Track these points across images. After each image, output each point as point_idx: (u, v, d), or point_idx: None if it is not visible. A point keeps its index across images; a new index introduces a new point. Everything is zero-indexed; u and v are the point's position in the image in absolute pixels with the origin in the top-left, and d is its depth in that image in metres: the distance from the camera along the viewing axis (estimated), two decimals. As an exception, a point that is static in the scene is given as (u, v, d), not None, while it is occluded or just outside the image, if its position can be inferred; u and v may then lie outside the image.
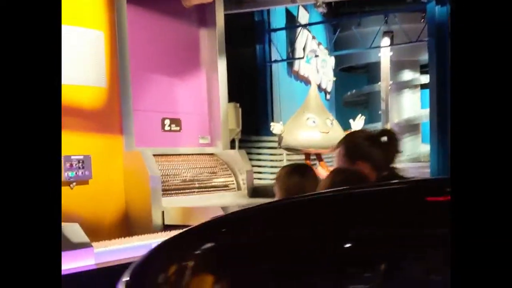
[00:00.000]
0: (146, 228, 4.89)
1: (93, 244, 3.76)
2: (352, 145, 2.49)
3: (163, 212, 4.97)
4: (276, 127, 5.88)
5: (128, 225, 5.08)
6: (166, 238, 1.60)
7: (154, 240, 4.09)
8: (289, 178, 2.74)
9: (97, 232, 4.80)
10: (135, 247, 3.88)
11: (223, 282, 1.35)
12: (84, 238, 3.62)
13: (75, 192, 4.73)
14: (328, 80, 12.56)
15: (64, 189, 4.66)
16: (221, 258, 1.36)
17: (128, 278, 1.37)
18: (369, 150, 2.43)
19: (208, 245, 1.39)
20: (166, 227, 4.91)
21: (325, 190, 2.13)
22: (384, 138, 2.46)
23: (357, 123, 6.03)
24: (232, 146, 6.92)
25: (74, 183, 4.68)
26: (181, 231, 1.48)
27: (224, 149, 6.11)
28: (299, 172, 2.75)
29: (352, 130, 6.06)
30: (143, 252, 3.87)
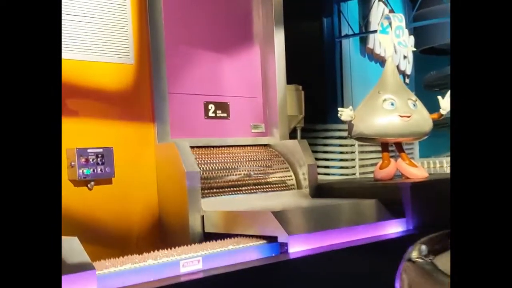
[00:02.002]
0: (181, 237, 4.11)
1: (97, 264, 2.98)
2: None
3: (202, 217, 4.16)
4: (344, 113, 4.93)
5: (161, 234, 4.30)
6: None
7: (182, 256, 3.28)
8: None
9: (123, 243, 4.09)
10: (151, 268, 3.07)
11: None
12: (84, 257, 2.85)
13: (95, 194, 3.99)
14: (407, 62, 11.43)
15: (81, 190, 3.94)
16: None
17: None
18: None
19: None
20: (207, 236, 4.09)
21: None
22: None
23: (447, 101, 4.96)
24: (293, 136, 6.04)
25: (93, 183, 3.93)
26: None
27: (281, 139, 5.23)
28: None
29: (441, 111, 5.02)
30: (167, 273, 3.01)
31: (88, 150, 3.86)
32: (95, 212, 4.00)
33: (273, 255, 3.63)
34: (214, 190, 4.44)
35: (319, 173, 7.11)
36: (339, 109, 5.02)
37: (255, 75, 5.28)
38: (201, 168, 4.41)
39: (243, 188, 4.65)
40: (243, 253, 3.52)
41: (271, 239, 3.70)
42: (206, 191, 4.36)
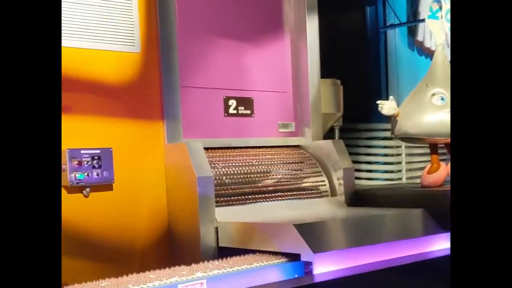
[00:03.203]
0: (192, 252, 3.63)
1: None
2: None
3: (216, 229, 3.64)
4: (386, 106, 4.33)
5: (171, 248, 3.81)
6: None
7: (183, 278, 2.77)
8: None
9: (125, 259, 3.64)
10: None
11: None
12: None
13: (92, 202, 3.54)
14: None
15: (75, 198, 3.48)
16: None
17: None
18: None
19: None
20: (222, 251, 3.58)
21: None
22: None
23: None
24: (330, 137, 5.46)
25: (88, 189, 3.47)
26: None
27: (314, 139, 4.68)
28: None
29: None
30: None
31: (82, 151, 3.40)
32: (92, 222, 3.54)
33: (296, 276, 3.09)
34: (233, 198, 3.92)
35: (361, 178, 6.52)
36: (378, 102, 4.43)
37: (284, 67, 4.74)
38: (218, 173, 3.91)
39: (267, 195, 4.13)
40: (257, 274, 2.99)
41: (294, 257, 3.16)
42: (223, 198, 3.85)
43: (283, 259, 3.17)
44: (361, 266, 3.23)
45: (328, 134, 5.72)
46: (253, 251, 3.35)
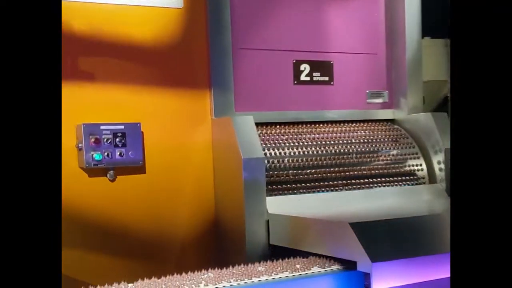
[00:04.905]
0: (238, 250, 3.07)
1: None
2: None
3: (267, 223, 3.06)
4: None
5: (218, 245, 3.29)
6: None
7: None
8: None
9: (161, 256, 3.19)
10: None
11: None
12: None
13: (119, 187, 3.09)
14: None
15: (98, 182, 3.05)
16: None
17: None
18: None
19: None
20: (274, 250, 3.00)
21: None
22: None
23: None
24: (442, 110, 4.66)
25: (112, 172, 3.02)
26: None
27: (411, 112, 3.92)
28: None
29: None
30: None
31: (102, 127, 2.95)
32: (121, 212, 3.11)
33: (350, 291, 2.45)
34: (295, 185, 3.30)
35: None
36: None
37: (373, 23, 4.00)
38: (278, 154, 3.32)
39: (342, 182, 3.47)
40: (296, 285, 2.38)
41: (350, 265, 2.51)
42: (281, 186, 3.25)
43: (338, 267, 2.53)
44: (444, 280, 2.51)
45: (440, 107, 4.93)
46: (306, 254, 2.74)
